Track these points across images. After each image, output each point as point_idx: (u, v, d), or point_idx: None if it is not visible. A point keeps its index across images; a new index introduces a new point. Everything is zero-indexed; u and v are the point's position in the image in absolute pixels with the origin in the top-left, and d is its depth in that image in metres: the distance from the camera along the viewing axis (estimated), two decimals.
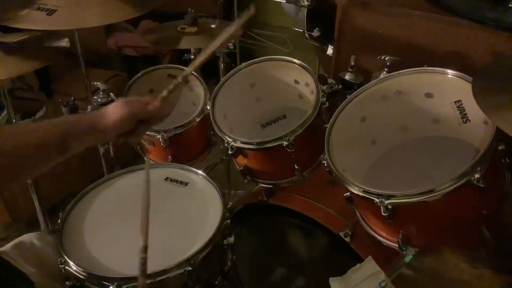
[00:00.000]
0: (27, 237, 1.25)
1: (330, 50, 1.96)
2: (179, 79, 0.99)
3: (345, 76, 1.49)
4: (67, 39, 1.42)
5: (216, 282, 1.12)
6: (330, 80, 1.43)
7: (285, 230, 1.44)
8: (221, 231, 1.09)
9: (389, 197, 0.97)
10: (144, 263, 0.81)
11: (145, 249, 0.81)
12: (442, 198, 0.93)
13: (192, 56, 1.75)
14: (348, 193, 1.12)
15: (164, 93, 0.98)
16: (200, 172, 1.28)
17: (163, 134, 1.47)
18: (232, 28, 0.98)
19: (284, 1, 1.93)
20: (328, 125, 1.18)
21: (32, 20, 1.25)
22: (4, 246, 1.19)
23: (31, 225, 2.00)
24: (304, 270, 1.44)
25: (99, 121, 0.90)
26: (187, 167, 1.30)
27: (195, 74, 1.61)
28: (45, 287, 1.15)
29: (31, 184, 1.50)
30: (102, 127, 0.90)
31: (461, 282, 0.84)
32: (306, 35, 2.18)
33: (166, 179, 1.27)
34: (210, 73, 1.94)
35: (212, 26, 1.68)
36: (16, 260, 1.15)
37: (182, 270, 0.99)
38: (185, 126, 1.50)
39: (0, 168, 0.76)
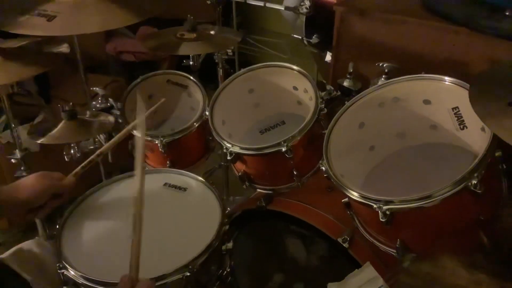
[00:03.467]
0: (26, 245, 1.24)
1: (328, 57, 1.97)
2: (93, 156, 1.01)
3: (343, 82, 1.50)
4: (66, 45, 1.43)
5: None
6: (328, 87, 1.44)
7: (284, 236, 1.44)
8: (220, 237, 1.09)
9: (387, 202, 0.98)
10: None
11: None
12: (439, 203, 0.93)
13: (191, 62, 1.76)
14: (346, 199, 1.12)
15: (78, 169, 1.00)
16: (198, 177, 1.28)
17: (162, 139, 1.47)
18: (140, 119, 0.95)
19: (283, 8, 1.94)
20: (326, 131, 1.18)
21: (32, 26, 1.26)
22: (3, 254, 1.18)
23: (29, 231, 2.00)
24: (302, 276, 1.44)
25: (12, 195, 0.89)
26: (186, 172, 1.30)
27: (194, 80, 1.62)
28: None
29: None
30: (15, 201, 0.89)
31: (459, 287, 0.84)
32: (305, 41, 2.19)
33: (165, 184, 1.26)
34: (209, 79, 1.95)
35: (211, 32, 1.69)
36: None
37: (180, 275, 0.99)
38: (184, 132, 1.50)
39: None
